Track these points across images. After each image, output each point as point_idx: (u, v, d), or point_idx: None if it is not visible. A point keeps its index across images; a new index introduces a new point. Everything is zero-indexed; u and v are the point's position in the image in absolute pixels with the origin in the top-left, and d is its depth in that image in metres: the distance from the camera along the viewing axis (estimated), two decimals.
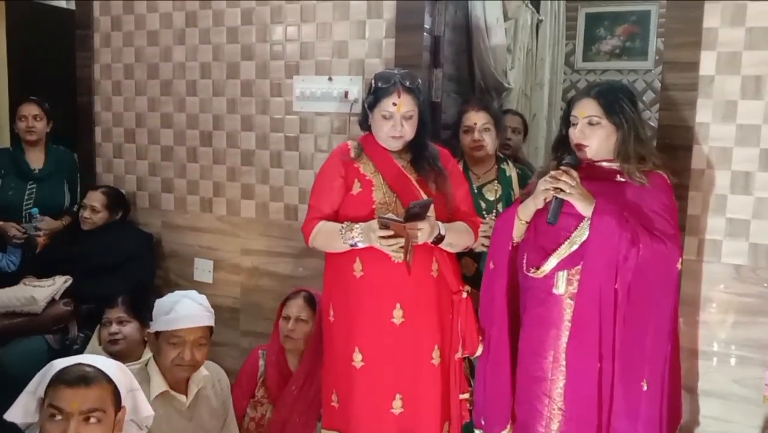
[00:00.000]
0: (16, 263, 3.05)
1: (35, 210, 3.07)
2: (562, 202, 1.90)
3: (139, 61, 3.19)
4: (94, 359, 1.62)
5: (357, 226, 2.02)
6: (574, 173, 1.90)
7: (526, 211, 2.01)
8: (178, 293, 2.15)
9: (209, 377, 2.19)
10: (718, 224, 2.23)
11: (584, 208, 1.89)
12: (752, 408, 2.21)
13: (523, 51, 3.99)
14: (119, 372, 1.62)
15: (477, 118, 2.51)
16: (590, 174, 1.96)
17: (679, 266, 1.92)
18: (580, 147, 1.96)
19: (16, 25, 3.66)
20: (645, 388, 1.91)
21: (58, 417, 1.48)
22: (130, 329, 2.50)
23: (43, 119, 3.20)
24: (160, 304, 2.10)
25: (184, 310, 2.06)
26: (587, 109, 1.94)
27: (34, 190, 3.16)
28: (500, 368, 2.09)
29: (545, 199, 1.94)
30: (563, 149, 2.04)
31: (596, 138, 1.94)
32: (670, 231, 1.91)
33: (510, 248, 2.06)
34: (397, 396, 2.08)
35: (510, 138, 3.12)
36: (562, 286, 1.95)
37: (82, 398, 1.50)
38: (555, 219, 1.91)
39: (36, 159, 3.21)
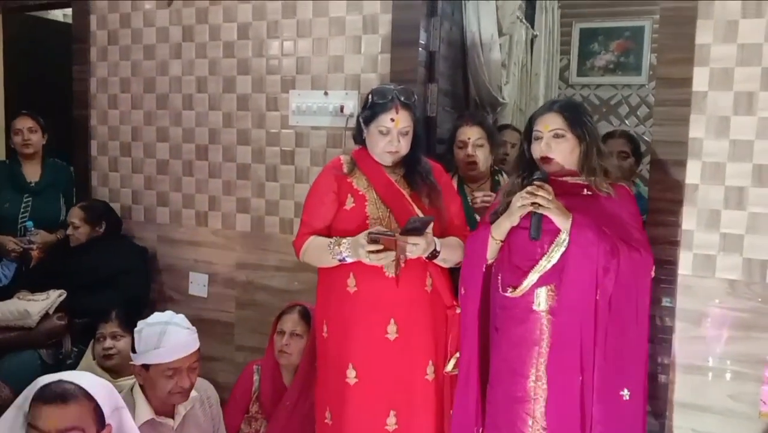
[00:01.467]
0: (9, 276, 3.05)
1: (30, 223, 3.06)
2: (541, 217, 1.90)
3: (136, 75, 3.20)
4: (78, 375, 1.59)
5: (345, 241, 2.02)
6: (549, 187, 1.91)
7: (500, 230, 2.00)
8: (157, 319, 2.09)
9: (197, 396, 2.16)
10: (712, 238, 2.24)
11: (562, 222, 1.89)
12: (748, 424, 2.20)
13: (517, 66, 4.02)
14: (103, 390, 1.59)
15: (471, 133, 2.53)
16: (557, 190, 1.96)
17: (653, 273, 1.97)
18: (546, 160, 1.98)
19: (13, 38, 3.66)
20: (626, 397, 1.91)
21: None
22: (125, 343, 2.48)
23: (38, 132, 3.20)
24: (146, 337, 2.03)
25: (173, 340, 2.02)
26: (551, 122, 1.97)
27: (30, 203, 3.16)
28: (469, 391, 2.07)
29: (521, 215, 1.94)
30: (526, 167, 2.04)
31: (561, 151, 1.96)
32: (643, 240, 1.95)
33: (483, 270, 2.04)
34: (392, 413, 2.06)
35: (508, 153, 3.14)
36: (543, 302, 1.95)
37: (59, 417, 1.47)
38: (538, 234, 1.91)
39: (32, 172, 3.21)
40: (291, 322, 2.46)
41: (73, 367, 2.58)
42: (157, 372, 2.01)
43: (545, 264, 1.93)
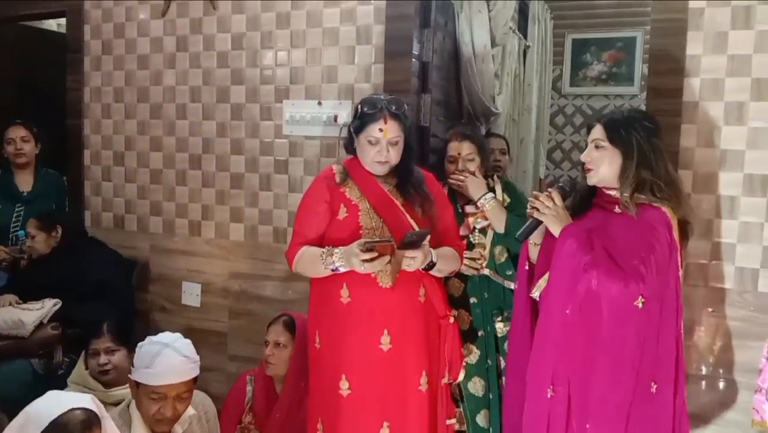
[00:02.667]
0: (0, 285, 3.03)
1: (22, 233, 3.05)
2: (537, 222, 1.97)
3: (129, 84, 3.20)
4: (75, 400, 1.57)
5: (337, 250, 2.01)
6: (556, 195, 1.95)
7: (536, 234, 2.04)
8: (161, 339, 2.05)
9: (194, 414, 2.13)
10: (705, 248, 2.25)
11: (554, 229, 1.93)
12: (740, 432, 2.21)
13: (510, 76, 4.04)
14: (95, 406, 1.60)
15: (461, 149, 2.50)
16: (598, 203, 1.99)
17: (638, 304, 1.78)
18: (586, 170, 1.98)
19: (7, 47, 3.67)
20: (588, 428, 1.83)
21: None
22: (119, 357, 2.44)
23: (31, 141, 3.20)
24: (142, 354, 2.00)
25: (165, 364, 1.96)
26: (594, 133, 1.97)
27: (22, 212, 3.15)
28: (519, 382, 2.04)
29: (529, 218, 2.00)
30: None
31: (600, 162, 1.93)
32: (639, 268, 1.78)
33: (526, 267, 2.09)
34: (385, 424, 2.04)
35: (499, 159, 3.16)
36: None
37: None
38: (522, 236, 1.99)
39: (25, 182, 3.20)
40: (274, 332, 2.45)
41: (65, 376, 2.55)
42: (144, 393, 1.98)
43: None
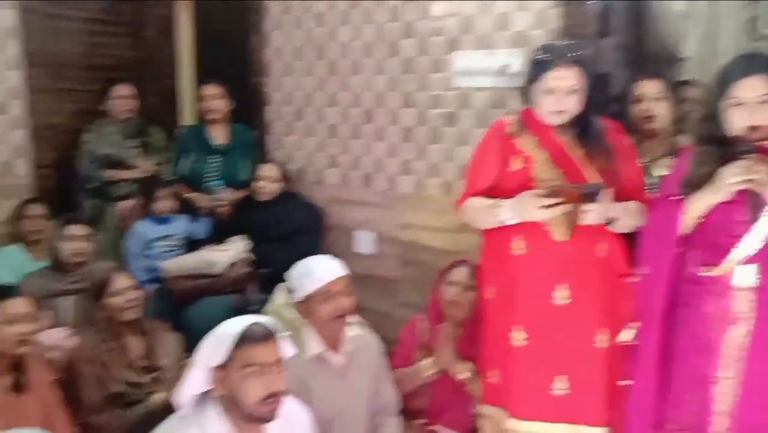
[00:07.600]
0: (207, 230, 3.37)
1: (219, 182, 3.36)
2: (758, 196, 1.71)
3: (308, 43, 3.35)
4: (255, 317, 1.76)
5: (504, 203, 1.99)
6: (765, 164, 1.70)
7: (701, 205, 1.80)
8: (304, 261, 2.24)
9: (361, 336, 2.28)
10: None
11: None
12: None
13: (699, 18, 3.67)
14: (273, 324, 1.76)
15: (647, 87, 2.36)
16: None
17: None
18: (754, 129, 1.74)
19: (202, 16, 4.00)
20: None
21: (254, 369, 1.64)
22: None
23: (224, 98, 3.46)
24: (297, 273, 2.20)
25: (321, 265, 2.18)
26: (759, 87, 1.72)
27: (216, 163, 3.45)
28: (650, 369, 1.92)
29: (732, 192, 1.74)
30: (716, 135, 1.81)
31: None
32: None
33: (675, 250, 1.86)
34: (561, 378, 2.02)
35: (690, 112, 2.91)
36: (746, 280, 1.77)
37: (272, 351, 1.68)
38: (758, 215, 1.72)
39: (219, 135, 3.48)
40: (463, 274, 2.43)
41: (257, 312, 2.81)
42: (314, 301, 2.14)
43: (754, 243, 1.74)
